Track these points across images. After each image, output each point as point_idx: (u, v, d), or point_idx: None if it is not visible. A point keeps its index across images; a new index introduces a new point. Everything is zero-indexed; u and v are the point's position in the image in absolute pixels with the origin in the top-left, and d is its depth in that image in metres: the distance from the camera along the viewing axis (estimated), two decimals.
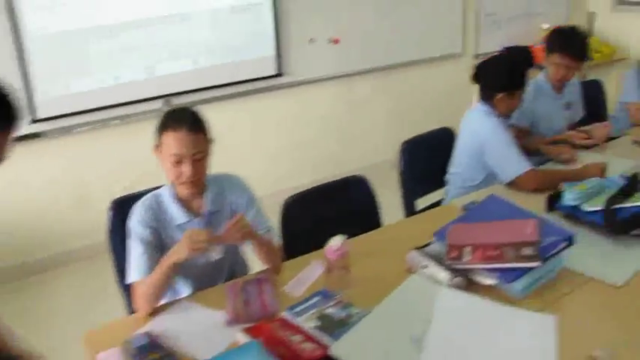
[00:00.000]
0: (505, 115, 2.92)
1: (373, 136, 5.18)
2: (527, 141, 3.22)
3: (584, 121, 3.54)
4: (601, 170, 2.72)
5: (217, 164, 2.20)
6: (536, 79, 3.35)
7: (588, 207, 2.31)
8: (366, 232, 2.43)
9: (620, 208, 2.27)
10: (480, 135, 2.84)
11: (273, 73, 4.50)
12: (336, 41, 4.73)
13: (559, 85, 3.34)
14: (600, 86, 4.25)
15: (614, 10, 6.07)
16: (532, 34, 5.79)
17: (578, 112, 3.53)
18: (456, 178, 3.02)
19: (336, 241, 1.97)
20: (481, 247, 1.99)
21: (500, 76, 2.84)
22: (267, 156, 4.72)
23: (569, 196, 2.36)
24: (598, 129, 3.30)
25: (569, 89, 3.42)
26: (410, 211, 3.04)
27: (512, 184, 2.74)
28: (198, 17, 4.13)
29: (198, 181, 2.08)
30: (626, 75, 3.88)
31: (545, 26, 5.72)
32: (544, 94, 3.33)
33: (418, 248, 2.11)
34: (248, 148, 4.59)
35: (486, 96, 2.87)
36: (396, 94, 5.20)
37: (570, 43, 3.18)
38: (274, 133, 4.73)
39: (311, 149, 4.90)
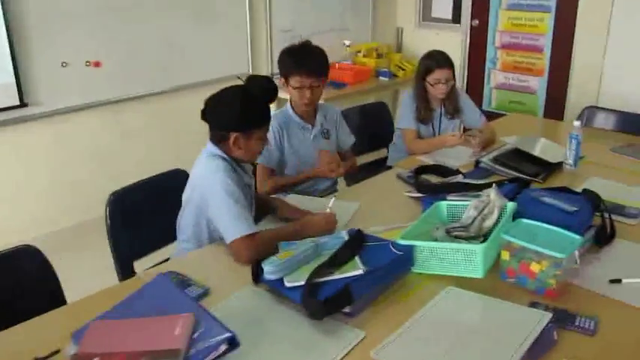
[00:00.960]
0: (242, 161, 2.32)
1: (149, 168, 4.52)
2: (277, 181, 2.83)
3: (358, 147, 3.22)
4: (325, 222, 2.23)
5: None
6: (282, 112, 2.90)
7: (287, 282, 1.81)
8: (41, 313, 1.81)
9: (326, 282, 1.77)
10: (204, 184, 2.22)
11: (14, 103, 3.78)
12: (96, 64, 4.10)
13: (308, 113, 2.91)
14: (385, 108, 3.90)
15: (419, 25, 5.85)
16: (337, 51, 5.43)
17: (346, 140, 3.10)
18: (182, 234, 2.41)
19: None
20: (112, 358, 1.45)
21: (232, 113, 2.22)
22: (15, 201, 3.97)
23: (268, 269, 1.83)
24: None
25: (323, 116, 2.98)
26: (126, 274, 2.44)
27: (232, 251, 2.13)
28: None
29: None
30: (402, 98, 3.52)
31: (347, 42, 5.39)
32: (293, 126, 2.89)
33: (41, 359, 1.54)
34: None
35: (217, 137, 2.26)
36: (175, 121, 4.59)
37: (304, 60, 2.75)
38: (19, 173, 3.97)
39: (73, 189, 4.19)
